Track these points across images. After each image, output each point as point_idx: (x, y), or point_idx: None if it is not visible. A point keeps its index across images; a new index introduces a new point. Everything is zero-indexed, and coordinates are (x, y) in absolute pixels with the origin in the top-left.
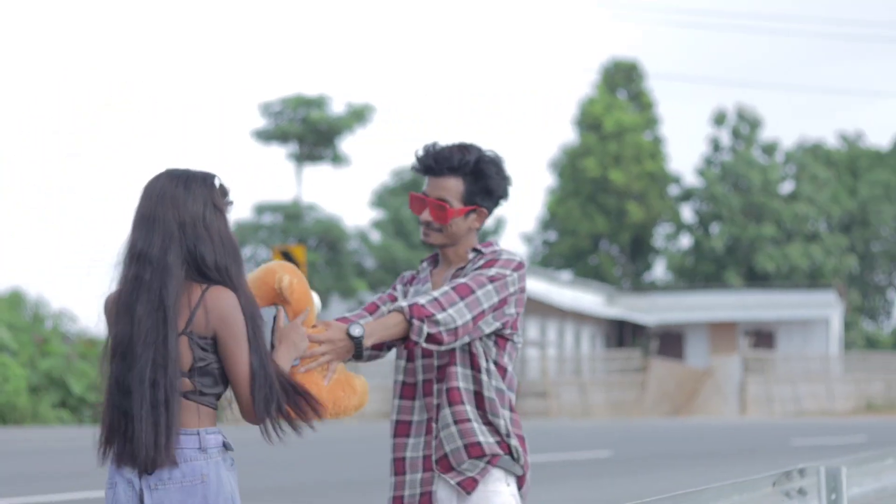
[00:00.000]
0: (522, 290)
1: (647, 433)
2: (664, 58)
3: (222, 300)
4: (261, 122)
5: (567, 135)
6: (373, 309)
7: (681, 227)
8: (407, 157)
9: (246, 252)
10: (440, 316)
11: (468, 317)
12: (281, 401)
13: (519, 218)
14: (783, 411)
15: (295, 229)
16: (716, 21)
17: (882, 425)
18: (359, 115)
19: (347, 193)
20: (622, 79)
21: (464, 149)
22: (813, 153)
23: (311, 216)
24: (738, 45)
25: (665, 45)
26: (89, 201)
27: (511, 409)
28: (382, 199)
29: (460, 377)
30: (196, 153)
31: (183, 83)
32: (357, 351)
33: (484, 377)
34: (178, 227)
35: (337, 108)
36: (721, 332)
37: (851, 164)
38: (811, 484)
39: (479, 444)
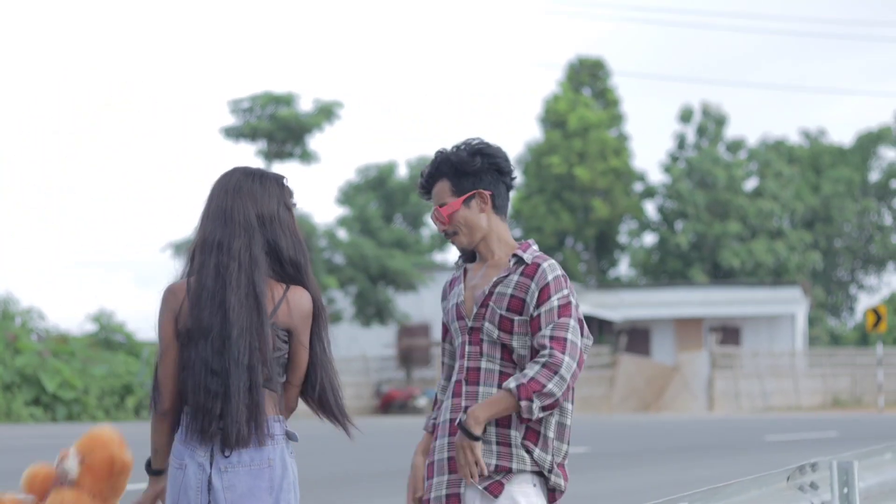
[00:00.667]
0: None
1: (620, 429)
2: (629, 55)
3: (304, 299)
4: (230, 120)
5: (532, 132)
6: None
7: (646, 224)
8: (374, 155)
9: None
10: (551, 385)
11: (574, 365)
12: (337, 388)
13: None
14: (751, 407)
15: None
16: (680, 18)
17: (850, 420)
18: (327, 113)
19: (316, 191)
20: (587, 76)
21: (437, 155)
22: (776, 150)
23: None
24: (702, 43)
25: (630, 42)
26: (57, 199)
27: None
28: (349, 196)
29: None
30: (165, 150)
31: (152, 80)
32: (467, 434)
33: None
34: (258, 222)
35: (305, 105)
36: (687, 328)
37: (814, 160)
38: (823, 478)
39: None
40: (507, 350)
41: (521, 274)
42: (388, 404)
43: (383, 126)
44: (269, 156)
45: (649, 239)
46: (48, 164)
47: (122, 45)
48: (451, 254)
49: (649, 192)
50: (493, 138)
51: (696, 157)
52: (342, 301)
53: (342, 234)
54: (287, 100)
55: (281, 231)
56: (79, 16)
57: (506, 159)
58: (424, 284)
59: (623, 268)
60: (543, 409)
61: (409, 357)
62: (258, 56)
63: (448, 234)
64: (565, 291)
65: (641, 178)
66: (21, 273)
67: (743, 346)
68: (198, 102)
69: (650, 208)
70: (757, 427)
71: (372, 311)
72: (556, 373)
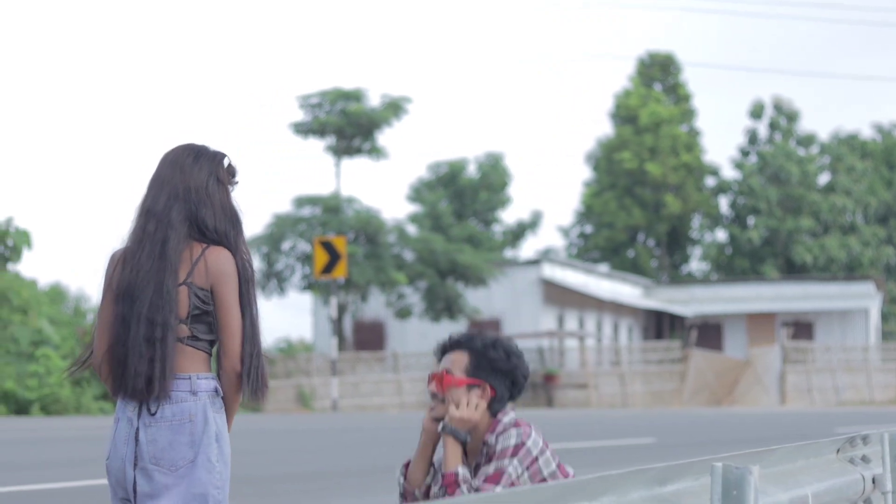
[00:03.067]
0: (535, 460)
1: (689, 422)
2: (700, 49)
3: (221, 257)
4: (299, 115)
5: (603, 128)
6: None
7: (717, 219)
8: (444, 151)
9: (286, 245)
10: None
11: None
12: (262, 356)
13: (556, 211)
14: (823, 401)
15: (334, 222)
16: (751, 9)
17: None
18: (395, 108)
19: (386, 186)
20: (658, 71)
21: (476, 331)
22: (849, 144)
23: (350, 209)
24: (774, 35)
25: (701, 36)
26: (129, 196)
27: None
28: (419, 193)
29: None
30: (237, 146)
31: (224, 77)
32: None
33: None
34: (184, 191)
35: (373, 100)
36: (759, 323)
37: (887, 155)
38: (875, 452)
39: None
40: None
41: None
42: None
43: (453, 122)
44: (339, 152)
45: (721, 234)
46: (124, 160)
47: (195, 44)
48: (523, 250)
49: (722, 188)
50: (565, 133)
51: (768, 153)
52: (412, 296)
53: (413, 230)
54: (355, 95)
55: (207, 201)
56: (153, 14)
57: (520, 370)
58: (494, 279)
59: (695, 263)
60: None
61: None
62: (327, 52)
63: (434, 398)
64: (505, 461)
65: (715, 172)
66: (92, 270)
67: (816, 340)
68: (269, 98)
69: (722, 204)
70: (827, 420)
71: (441, 307)
72: None
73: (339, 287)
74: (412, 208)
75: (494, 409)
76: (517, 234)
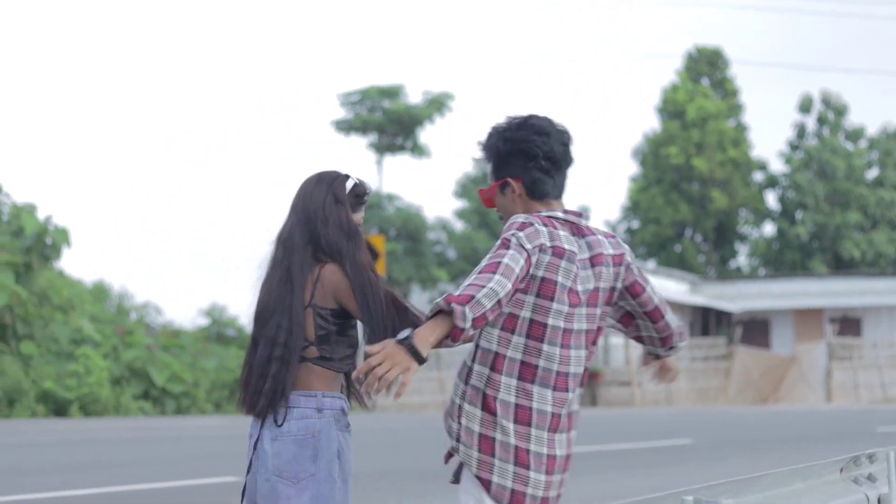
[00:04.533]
0: (542, 248)
1: (730, 420)
2: (747, 43)
3: (330, 273)
4: (341, 113)
5: (651, 123)
6: None
7: (765, 214)
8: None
9: None
10: (480, 294)
11: (508, 286)
12: (409, 313)
13: (603, 206)
14: (870, 398)
15: (376, 219)
16: (798, 5)
17: None
18: (438, 105)
19: (429, 183)
20: (705, 66)
21: (489, 130)
22: None
23: (391, 206)
24: (823, 30)
25: (749, 31)
26: (173, 196)
27: None
28: (466, 188)
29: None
30: (279, 143)
31: (265, 74)
32: (415, 355)
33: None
34: (304, 214)
35: (414, 97)
36: (807, 319)
37: None
38: (881, 470)
39: None
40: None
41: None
42: None
43: (498, 117)
44: (381, 149)
45: (769, 230)
46: (163, 159)
47: (234, 42)
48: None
49: (771, 183)
50: (611, 128)
51: (816, 147)
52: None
53: (459, 226)
54: (394, 92)
55: (325, 220)
56: (196, 10)
57: (533, 142)
58: None
59: (743, 258)
60: (476, 319)
61: None
62: (369, 49)
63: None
64: (511, 232)
65: (763, 167)
66: (137, 268)
67: (864, 337)
68: (311, 96)
69: (770, 199)
70: (870, 418)
71: None
72: (482, 286)
73: None
74: (458, 204)
75: (539, 192)
76: None
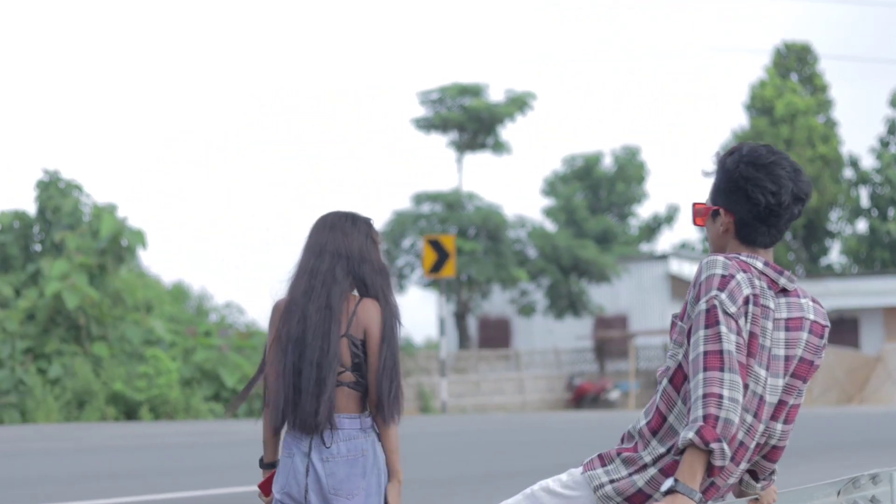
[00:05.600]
0: (747, 300)
1: (802, 422)
2: (837, 39)
3: (368, 308)
4: (421, 111)
5: (738, 119)
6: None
7: (857, 211)
8: (572, 144)
9: (405, 243)
10: (723, 413)
11: (740, 383)
12: (400, 389)
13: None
14: None
15: (454, 218)
16: None
17: None
18: (519, 103)
19: (512, 181)
20: (794, 61)
21: (732, 148)
22: None
23: (471, 205)
24: None
25: (838, 25)
26: (252, 200)
27: None
28: (553, 186)
29: None
30: (358, 143)
31: (344, 73)
32: (691, 494)
33: None
34: (346, 251)
35: (496, 95)
36: None
37: None
38: (884, 493)
39: None
40: None
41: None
42: (581, 397)
43: (585, 116)
44: (461, 147)
45: (860, 227)
46: (243, 162)
47: (313, 41)
48: (659, 244)
49: (862, 179)
50: (700, 125)
51: None
52: (535, 293)
53: (549, 226)
54: (475, 90)
55: (366, 259)
56: (273, 8)
57: (762, 188)
58: (618, 276)
59: (834, 256)
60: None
61: (603, 349)
62: (449, 47)
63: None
64: (713, 293)
65: (854, 163)
66: (218, 270)
67: None
68: (391, 94)
69: (861, 195)
70: None
71: (565, 304)
72: (721, 395)
73: (459, 284)
74: (546, 202)
75: (745, 237)
76: (653, 228)
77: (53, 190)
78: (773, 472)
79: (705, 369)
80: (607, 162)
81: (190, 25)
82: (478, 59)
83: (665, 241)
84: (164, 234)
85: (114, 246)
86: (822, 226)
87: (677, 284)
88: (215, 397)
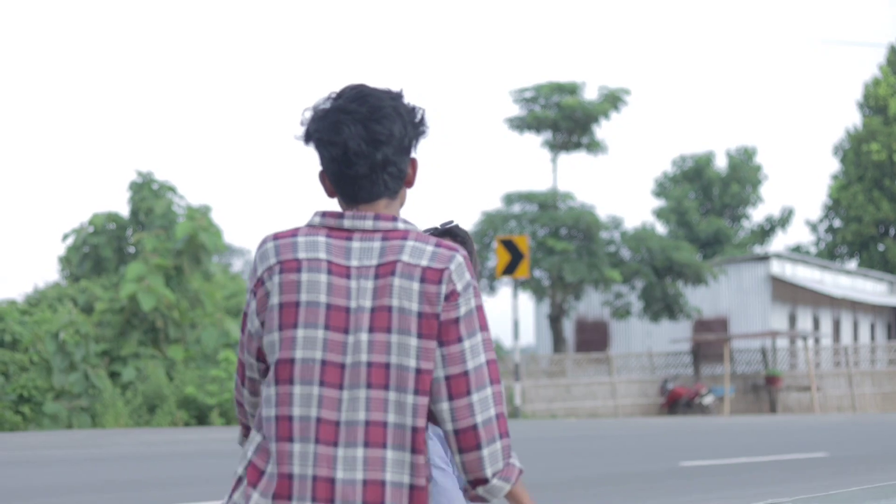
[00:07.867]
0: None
1: (886, 430)
2: None
3: None
4: (514, 110)
5: (852, 118)
6: None
7: None
8: (677, 144)
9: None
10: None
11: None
12: None
13: (804, 205)
14: None
15: (545, 218)
16: None
17: None
18: (613, 100)
19: (610, 182)
20: None
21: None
22: None
23: (564, 205)
24: None
25: None
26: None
27: None
28: (664, 187)
29: None
30: (452, 142)
31: (435, 73)
32: None
33: None
34: None
35: (590, 93)
36: None
37: None
38: None
39: None
40: None
41: None
42: (674, 402)
43: (688, 114)
44: (555, 147)
45: None
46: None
47: (407, 40)
48: (773, 244)
49: None
50: (811, 124)
51: None
52: (630, 295)
53: (659, 227)
54: (571, 88)
55: None
56: (372, 8)
57: (307, 125)
58: (714, 278)
59: None
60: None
61: (699, 353)
62: (544, 46)
63: None
64: None
65: None
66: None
67: None
68: (484, 93)
69: None
70: None
71: (660, 306)
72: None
73: (552, 286)
74: (656, 203)
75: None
76: (766, 230)
77: (147, 191)
78: None
79: None
80: (719, 163)
81: (299, 27)
82: (574, 57)
83: (778, 243)
84: (253, 234)
85: (190, 247)
86: None
87: (779, 286)
88: None
